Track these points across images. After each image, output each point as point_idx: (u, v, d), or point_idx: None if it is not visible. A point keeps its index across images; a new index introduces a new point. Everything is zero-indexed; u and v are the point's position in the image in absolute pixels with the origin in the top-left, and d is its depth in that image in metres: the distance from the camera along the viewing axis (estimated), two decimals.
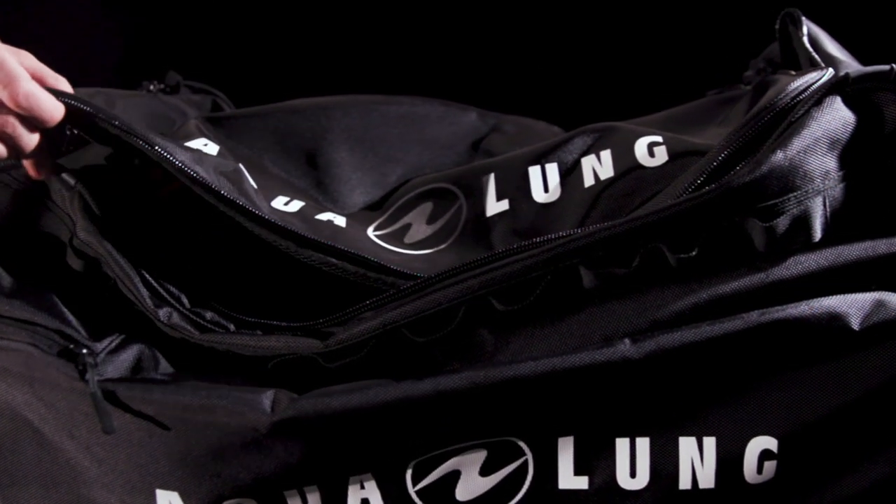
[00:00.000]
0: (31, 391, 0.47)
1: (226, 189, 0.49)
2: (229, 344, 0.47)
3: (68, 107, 0.47)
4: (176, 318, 0.48)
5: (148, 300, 0.48)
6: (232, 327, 0.50)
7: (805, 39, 0.54)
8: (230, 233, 0.51)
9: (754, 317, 0.45)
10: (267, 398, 0.45)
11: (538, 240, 0.47)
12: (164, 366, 0.48)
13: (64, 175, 0.50)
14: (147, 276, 0.49)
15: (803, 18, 0.56)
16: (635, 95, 0.74)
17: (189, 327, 0.48)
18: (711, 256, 0.45)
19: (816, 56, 0.52)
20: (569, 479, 0.46)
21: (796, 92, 0.47)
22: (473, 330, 0.47)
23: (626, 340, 0.45)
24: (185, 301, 0.50)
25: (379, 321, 0.46)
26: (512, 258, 0.46)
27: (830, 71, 0.48)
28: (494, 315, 0.46)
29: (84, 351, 0.46)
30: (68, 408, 0.47)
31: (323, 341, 0.47)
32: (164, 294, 0.49)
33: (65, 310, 0.48)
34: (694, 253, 0.45)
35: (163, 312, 0.48)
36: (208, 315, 0.49)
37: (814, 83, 0.47)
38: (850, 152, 0.46)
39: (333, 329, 0.48)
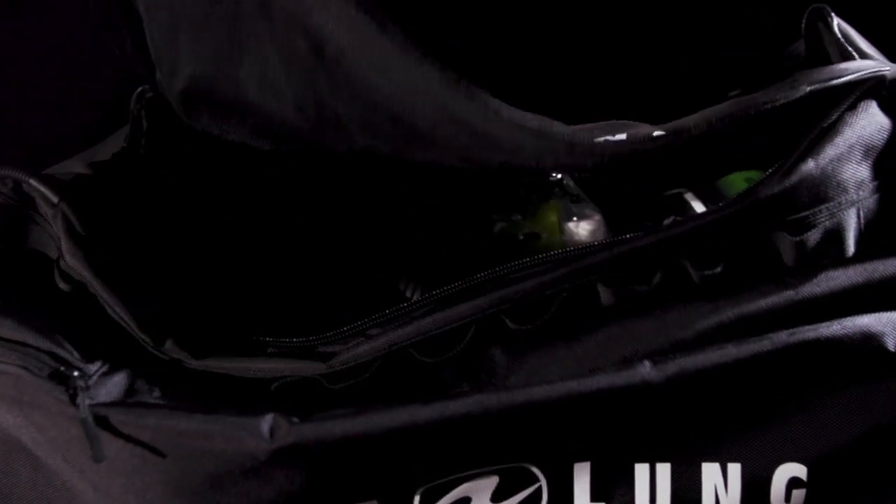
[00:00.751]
0: (22, 414, 0.45)
1: None
2: (227, 368, 0.45)
3: None
4: (169, 343, 0.46)
5: (137, 327, 0.46)
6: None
7: (837, 33, 0.51)
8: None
9: (783, 337, 0.42)
10: (266, 423, 0.42)
11: (553, 254, 0.44)
12: (160, 389, 0.46)
13: (45, 190, 0.47)
14: (138, 301, 0.47)
15: (833, 14, 0.53)
16: (646, 98, 0.71)
17: (183, 352, 0.45)
18: (737, 272, 0.43)
19: (851, 50, 0.49)
20: None
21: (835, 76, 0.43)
22: (485, 349, 0.44)
23: (647, 363, 0.42)
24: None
25: (385, 340, 0.44)
26: (525, 273, 0.43)
27: (869, 66, 0.45)
28: (507, 334, 0.44)
29: (75, 373, 0.43)
30: (60, 432, 0.45)
31: (326, 362, 0.44)
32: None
33: (57, 330, 0.46)
34: (719, 269, 0.42)
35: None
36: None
37: (849, 76, 0.44)
38: (886, 160, 0.43)
39: (336, 348, 0.46)
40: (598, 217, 0.63)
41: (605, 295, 0.43)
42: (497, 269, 0.45)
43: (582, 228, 0.63)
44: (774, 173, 0.42)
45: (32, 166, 0.65)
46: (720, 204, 0.43)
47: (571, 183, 0.64)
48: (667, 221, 0.43)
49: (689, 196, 0.64)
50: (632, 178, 0.54)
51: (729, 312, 0.43)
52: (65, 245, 0.47)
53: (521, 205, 0.66)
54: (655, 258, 0.42)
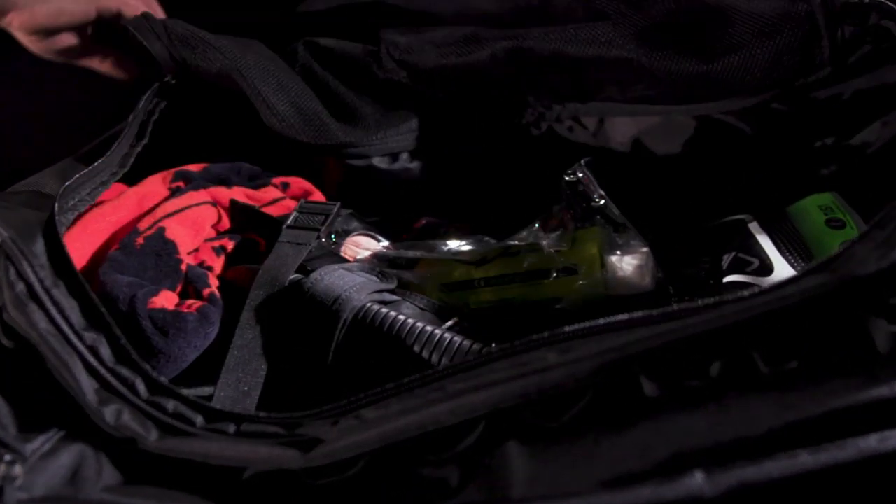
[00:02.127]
0: None
1: None
2: (188, 453, 0.38)
3: None
4: (127, 417, 0.39)
5: (90, 396, 0.39)
6: (200, 420, 0.40)
7: None
8: None
9: (872, 443, 0.33)
10: None
11: (585, 328, 0.36)
12: (111, 472, 0.39)
13: None
14: (91, 360, 0.39)
15: None
16: None
17: (140, 431, 0.38)
18: (817, 362, 0.34)
19: None
20: None
21: None
22: (499, 446, 0.36)
23: (698, 472, 0.33)
24: (142, 388, 0.40)
25: (377, 434, 0.36)
26: (551, 361, 0.35)
27: None
28: (526, 427, 0.36)
29: (8, 457, 0.36)
30: None
31: (306, 452, 0.37)
32: (115, 383, 0.40)
33: None
34: (795, 364, 0.33)
35: (109, 411, 0.39)
36: (170, 406, 0.40)
37: None
38: None
39: (322, 430, 0.38)
40: (645, 250, 0.54)
41: (648, 387, 0.34)
42: (514, 345, 0.36)
43: (626, 263, 0.54)
44: (870, 239, 0.33)
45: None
46: (803, 273, 0.34)
47: (615, 209, 0.54)
48: (730, 296, 0.34)
49: (752, 226, 0.55)
50: None
51: (804, 409, 0.34)
52: (6, 294, 0.40)
53: (554, 227, 0.57)
54: (715, 347, 0.33)
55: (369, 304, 0.48)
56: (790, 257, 0.51)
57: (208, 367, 0.50)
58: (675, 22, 0.57)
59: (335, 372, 0.48)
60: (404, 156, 0.67)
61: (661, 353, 0.33)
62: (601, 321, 0.36)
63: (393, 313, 0.48)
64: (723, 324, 0.33)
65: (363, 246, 0.60)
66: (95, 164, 0.56)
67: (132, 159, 0.60)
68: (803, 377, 0.34)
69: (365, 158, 0.65)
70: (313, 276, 0.50)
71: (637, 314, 0.36)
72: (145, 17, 0.64)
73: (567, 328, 0.37)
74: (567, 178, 0.56)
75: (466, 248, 0.60)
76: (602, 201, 0.55)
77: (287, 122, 0.63)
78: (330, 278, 0.49)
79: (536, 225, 0.57)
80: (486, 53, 0.62)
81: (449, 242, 0.60)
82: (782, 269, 0.50)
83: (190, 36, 0.64)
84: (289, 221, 0.57)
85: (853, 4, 0.50)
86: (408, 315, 0.50)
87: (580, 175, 0.55)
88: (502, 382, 0.35)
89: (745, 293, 0.34)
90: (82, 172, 0.54)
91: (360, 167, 0.66)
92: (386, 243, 0.62)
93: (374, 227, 0.65)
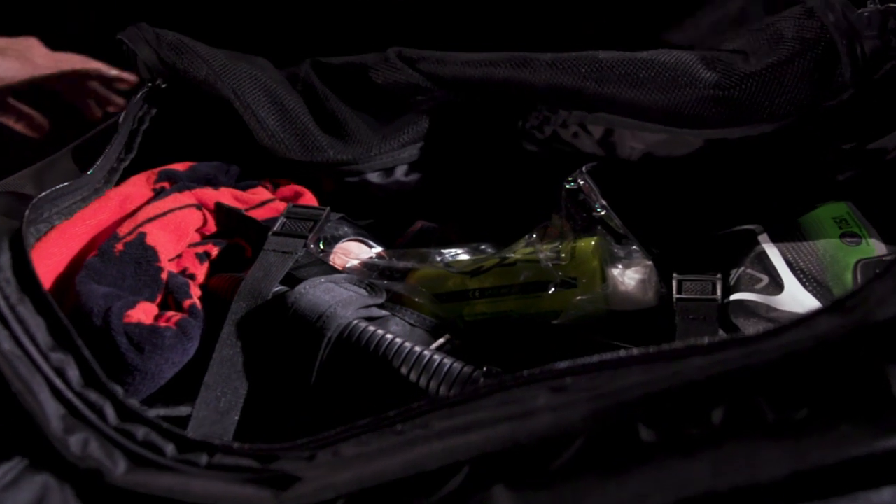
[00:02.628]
0: None
1: None
2: (155, 488, 0.35)
3: None
4: (94, 446, 0.37)
5: (55, 424, 0.36)
6: (170, 449, 0.38)
7: None
8: None
9: (886, 497, 0.30)
10: None
11: (577, 364, 0.33)
12: None
13: None
14: (58, 383, 0.37)
15: None
16: None
17: (107, 462, 0.36)
18: (829, 408, 0.31)
19: None
20: None
21: None
22: (485, 489, 0.34)
23: None
24: (111, 414, 0.38)
25: (354, 476, 0.34)
26: (541, 404, 0.32)
27: None
28: (513, 471, 0.33)
29: None
30: None
31: (280, 492, 0.35)
32: (82, 408, 0.37)
33: None
34: (805, 413, 0.30)
35: (75, 440, 0.36)
36: (140, 433, 0.38)
37: None
38: None
39: (299, 466, 0.36)
40: (648, 264, 0.51)
41: (645, 432, 0.32)
42: (504, 381, 0.34)
43: (629, 278, 0.51)
44: (890, 277, 0.30)
45: None
46: (816, 313, 0.31)
47: (617, 220, 0.51)
48: (736, 337, 0.31)
49: (762, 238, 0.52)
50: None
51: (812, 459, 0.31)
52: None
53: (553, 237, 0.54)
54: (718, 393, 0.31)
55: (355, 322, 0.46)
56: (801, 275, 0.48)
57: (189, 383, 0.47)
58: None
59: (319, 392, 0.46)
60: (400, 169, 0.64)
61: (659, 398, 0.31)
62: (595, 358, 0.33)
63: (380, 332, 0.45)
64: (727, 369, 0.30)
65: (354, 253, 0.58)
66: (77, 179, 0.53)
67: (118, 175, 0.58)
68: (813, 425, 0.31)
69: (359, 175, 0.63)
70: (297, 289, 0.47)
71: (634, 352, 0.33)
72: (137, 26, 0.62)
73: (560, 365, 0.34)
74: (567, 186, 0.53)
75: (463, 256, 0.58)
76: (603, 211, 0.52)
77: (276, 138, 0.61)
78: (315, 292, 0.47)
79: (534, 235, 0.54)
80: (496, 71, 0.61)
81: (444, 251, 0.57)
82: (793, 288, 0.47)
83: (180, 44, 0.62)
84: (275, 227, 0.54)
85: (870, 15, 0.47)
86: (396, 333, 0.48)
87: (581, 183, 0.52)
88: (490, 425, 0.33)
89: (753, 334, 0.32)
90: (60, 186, 0.51)
91: (353, 182, 0.63)
92: (378, 249, 0.60)
93: (367, 232, 0.62)
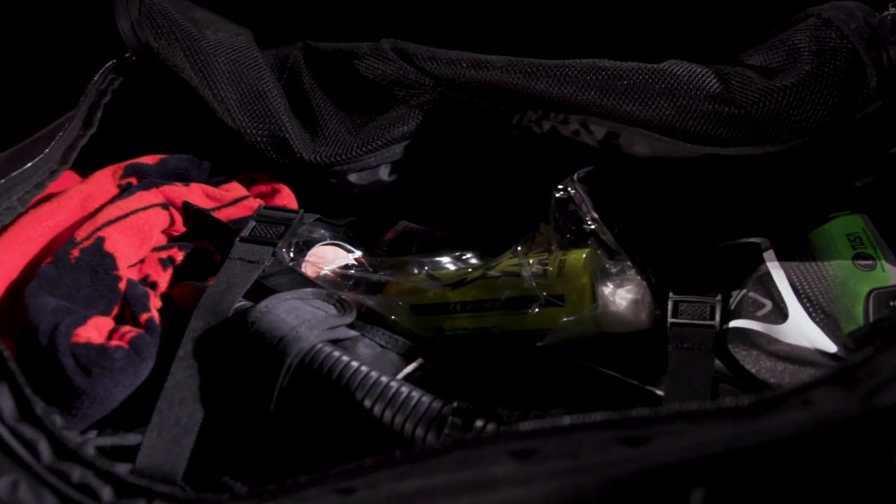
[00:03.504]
0: None
1: None
2: None
3: None
4: (23, 490, 0.34)
5: None
6: (108, 493, 0.35)
7: None
8: None
9: None
10: None
11: (546, 427, 0.30)
12: None
13: None
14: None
15: None
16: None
17: None
18: (828, 493, 0.27)
19: None
20: None
21: None
22: None
23: None
24: (46, 452, 0.35)
25: None
26: (500, 475, 0.29)
27: None
28: None
29: None
30: None
31: None
32: (14, 445, 0.35)
33: None
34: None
35: (3, 484, 0.34)
36: (76, 475, 0.35)
37: None
38: None
39: None
40: (641, 283, 0.47)
41: None
42: (463, 440, 0.30)
43: (620, 298, 0.47)
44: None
45: None
46: (814, 383, 0.27)
47: (609, 235, 0.47)
48: (723, 407, 0.28)
49: (768, 255, 0.48)
50: None
51: None
52: None
53: (540, 250, 0.50)
54: (700, 474, 0.27)
55: (319, 346, 0.43)
56: (808, 303, 0.44)
57: (145, 405, 0.44)
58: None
59: (278, 422, 0.42)
60: (384, 169, 0.60)
61: (631, 480, 0.27)
62: (567, 420, 0.30)
63: (345, 358, 0.42)
64: (711, 452, 0.27)
65: (329, 259, 0.54)
66: (31, 163, 0.50)
67: (75, 153, 0.54)
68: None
69: (339, 176, 0.59)
70: (258, 307, 0.44)
71: (611, 416, 0.29)
72: None
73: (525, 426, 0.30)
74: (557, 195, 0.49)
75: (448, 265, 0.54)
76: (594, 225, 0.48)
77: (249, 136, 0.57)
78: (276, 312, 0.44)
79: (519, 248, 0.50)
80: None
81: (424, 259, 0.53)
82: (798, 318, 0.43)
83: (162, 18, 0.57)
84: (243, 232, 0.51)
85: (893, 18, 0.43)
86: (365, 356, 0.45)
87: (571, 192, 0.48)
88: (442, 494, 0.29)
89: (744, 402, 0.28)
90: (10, 176, 0.48)
91: (333, 182, 0.59)
92: (357, 254, 0.56)
93: (345, 234, 0.59)
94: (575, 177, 0.49)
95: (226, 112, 0.58)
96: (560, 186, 0.49)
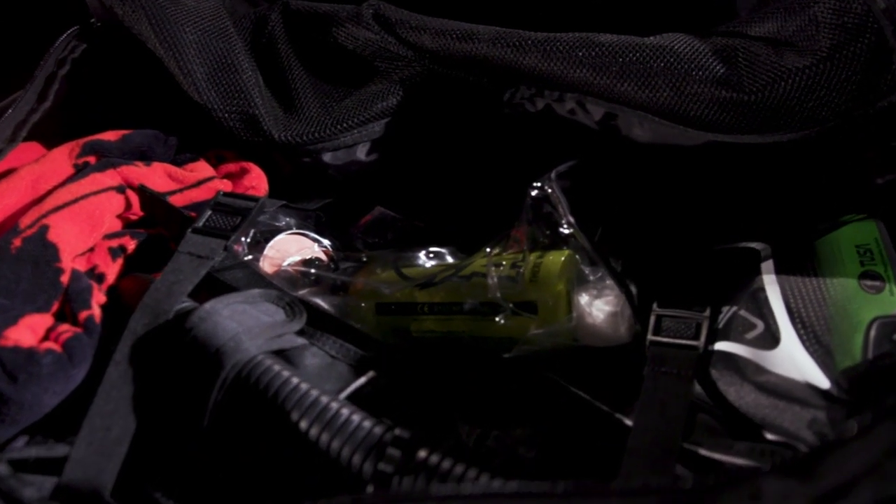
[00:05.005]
0: None
1: None
2: None
3: None
4: None
5: None
6: None
7: None
8: None
9: None
10: None
11: (459, 495, 0.26)
12: None
13: None
14: None
15: None
16: None
17: None
18: None
19: None
20: None
21: None
22: None
23: None
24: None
25: None
26: None
27: None
28: None
29: None
30: None
31: None
32: None
33: None
34: None
35: None
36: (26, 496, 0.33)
37: None
38: None
39: None
40: (619, 295, 0.43)
41: None
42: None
43: (598, 310, 0.43)
44: (861, 447, 0.21)
45: None
46: (770, 470, 0.23)
47: (587, 242, 0.43)
48: (676, 487, 0.23)
49: (766, 266, 0.43)
50: None
51: None
52: None
53: (513, 252, 0.46)
54: None
55: (259, 358, 0.39)
56: (802, 329, 0.39)
57: (84, 408, 0.42)
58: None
59: (212, 438, 0.40)
60: (362, 148, 0.55)
61: None
62: (476, 490, 0.26)
63: (285, 373, 0.39)
64: None
65: (292, 251, 0.51)
66: None
67: (26, 130, 0.51)
68: None
69: (312, 155, 0.55)
70: (198, 312, 0.41)
71: (532, 487, 0.26)
72: None
73: (439, 490, 0.27)
74: (533, 194, 0.44)
75: (421, 261, 0.50)
76: (570, 230, 0.43)
77: (217, 112, 0.53)
78: (215, 319, 0.40)
79: (488, 250, 0.46)
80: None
81: (395, 254, 0.50)
82: (790, 345, 0.39)
83: None
84: (196, 222, 0.47)
85: None
86: (312, 367, 0.41)
87: (548, 191, 0.44)
88: None
89: (687, 484, 0.24)
90: None
91: (307, 162, 0.55)
92: (326, 243, 0.52)
93: (317, 218, 0.55)
94: (553, 175, 0.44)
95: (192, 86, 0.54)
96: (536, 184, 0.44)
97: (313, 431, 0.37)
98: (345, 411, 0.37)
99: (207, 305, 0.41)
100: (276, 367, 0.39)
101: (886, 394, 0.33)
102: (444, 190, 0.56)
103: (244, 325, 0.41)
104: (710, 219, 0.48)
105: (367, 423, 0.37)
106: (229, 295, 0.42)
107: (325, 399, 0.38)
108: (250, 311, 0.42)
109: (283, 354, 0.41)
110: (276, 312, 0.43)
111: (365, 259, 0.50)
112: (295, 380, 0.38)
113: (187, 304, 0.43)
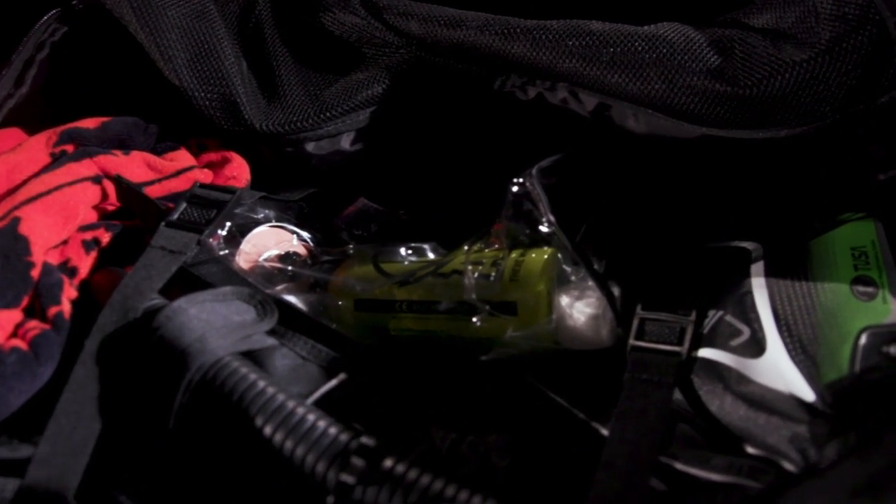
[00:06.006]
0: None
1: None
2: None
3: None
4: None
5: None
6: None
7: None
8: None
9: None
10: None
11: None
12: None
13: None
14: None
15: None
16: None
17: None
18: None
19: None
20: None
21: None
22: None
23: None
24: None
25: None
26: None
27: None
28: None
29: None
30: None
31: None
32: None
33: None
34: None
35: None
36: None
37: None
38: None
39: None
40: (601, 297, 0.41)
41: None
42: None
43: (579, 312, 0.42)
44: (829, 488, 0.20)
45: None
46: None
47: (567, 242, 0.41)
48: None
49: (755, 268, 0.41)
50: None
51: None
52: None
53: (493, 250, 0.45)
54: None
55: (226, 360, 0.38)
56: (788, 337, 0.37)
57: (51, 407, 0.41)
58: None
59: (178, 440, 0.39)
60: (346, 138, 0.54)
61: None
62: None
63: (252, 376, 0.37)
64: None
65: (270, 244, 0.49)
66: None
67: (1, 116, 0.50)
68: None
69: (296, 145, 0.53)
70: (165, 311, 0.40)
71: None
72: None
73: None
74: (514, 190, 0.43)
75: (402, 256, 0.49)
76: (551, 229, 0.41)
77: (196, 100, 0.52)
78: (182, 318, 0.39)
79: (466, 247, 0.45)
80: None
81: (375, 248, 0.48)
82: (775, 354, 0.37)
83: None
84: (170, 215, 0.46)
85: None
86: (282, 368, 0.40)
87: (529, 188, 0.42)
88: None
89: None
90: None
91: (290, 152, 0.54)
92: (305, 236, 0.51)
93: (299, 209, 0.53)
94: (534, 171, 0.42)
95: (172, 71, 0.52)
96: (517, 180, 0.43)
97: (277, 437, 0.36)
98: (310, 417, 0.36)
99: (175, 304, 0.40)
100: (243, 370, 0.38)
101: (870, 411, 0.32)
102: (432, 181, 0.55)
103: (212, 324, 0.40)
104: (701, 216, 0.46)
105: (332, 430, 0.36)
106: (199, 293, 0.41)
107: (290, 404, 0.36)
108: (220, 310, 0.41)
109: (252, 355, 0.40)
110: (246, 311, 0.42)
111: (344, 254, 0.49)
112: (261, 383, 0.37)
113: (157, 301, 0.42)
